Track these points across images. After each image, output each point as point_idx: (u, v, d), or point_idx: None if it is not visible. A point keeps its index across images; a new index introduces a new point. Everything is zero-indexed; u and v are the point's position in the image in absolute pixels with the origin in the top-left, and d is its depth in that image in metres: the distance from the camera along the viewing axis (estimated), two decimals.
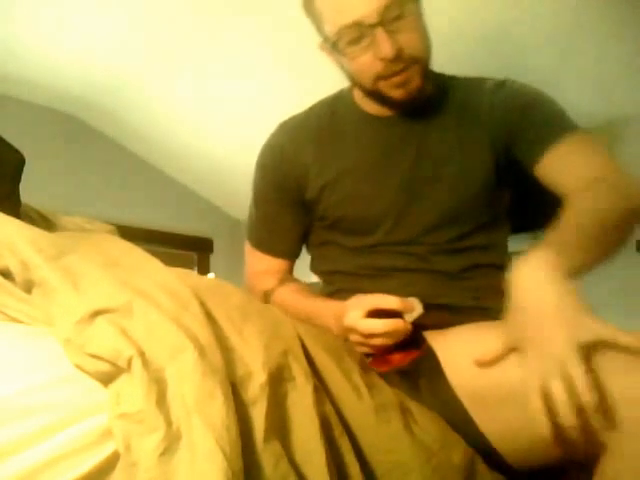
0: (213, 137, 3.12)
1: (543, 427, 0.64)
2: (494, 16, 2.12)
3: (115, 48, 2.52)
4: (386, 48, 0.89)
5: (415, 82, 0.95)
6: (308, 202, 1.09)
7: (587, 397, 0.61)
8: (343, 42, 0.93)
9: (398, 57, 0.91)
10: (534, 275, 0.71)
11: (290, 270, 1.20)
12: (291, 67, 2.43)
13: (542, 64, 2.29)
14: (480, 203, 1.03)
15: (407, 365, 0.87)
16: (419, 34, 0.94)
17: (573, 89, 2.35)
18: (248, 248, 1.21)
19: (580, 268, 0.76)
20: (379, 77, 0.94)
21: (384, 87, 0.96)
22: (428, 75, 0.98)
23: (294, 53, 2.28)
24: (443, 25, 1.86)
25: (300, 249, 1.19)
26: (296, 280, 1.16)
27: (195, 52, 2.51)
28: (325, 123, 1.09)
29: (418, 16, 0.94)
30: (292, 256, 1.18)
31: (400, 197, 1.03)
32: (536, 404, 0.65)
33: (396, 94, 0.96)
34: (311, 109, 1.13)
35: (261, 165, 1.14)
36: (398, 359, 0.87)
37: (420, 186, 1.02)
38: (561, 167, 0.96)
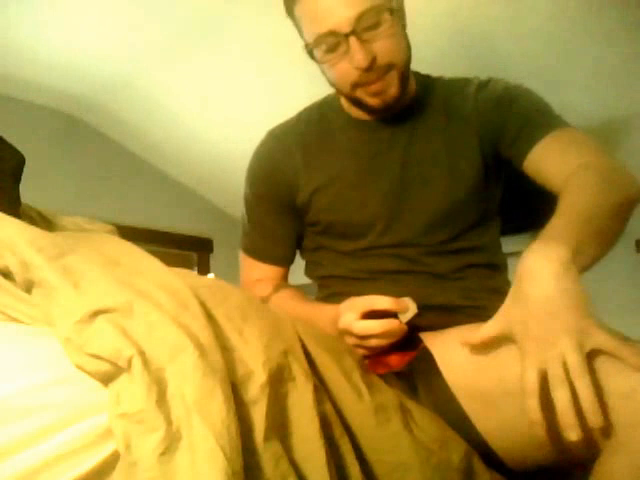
0: (213, 137, 3.12)
1: (538, 427, 0.64)
2: (493, 16, 2.12)
3: (115, 48, 2.52)
4: (359, 58, 0.90)
5: (392, 90, 0.95)
6: (299, 208, 1.10)
7: (592, 413, 0.61)
8: (320, 50, 0.93)
9: (372, 66, 0.91)
10: (544, 267, 0.68)
11: (285, 276, 1.20)
12: (292, 67, 2.43)
13: (542, 65, 2.29)
14: (470, 203, 1.03)
15: (404, 367, 0.87)
16: (395, 42, 0.93)
17: (573, 89, 2.35)
18: (242, 256, 1.21)
19: (585, 260, 0.74)
20: (356, 85, 0.95)
21: (361, 94, 0.96)
22: (406, 82, 0.98)
23: (295, 52, 2.28)
24: (443, 25, 1.86)
25: (294, 255, 1.19)
26: (290, 286, 1.16)
27: (195, 52, 2.51)
28: (313, 128, 1.09)
29: (396, 24, 0.93)
30: (286, 262, 1.18)
31: (390, 200, 1.03)
32: (533, 404, 0.65)
33: (373, 102, 0.97)
34: (299, 115, 1.14)
35: (251, 174, 1.15)
36: (395, 361, 0.87)
37: (409, 189, 1.02)
38: (548, 161, 0.95)
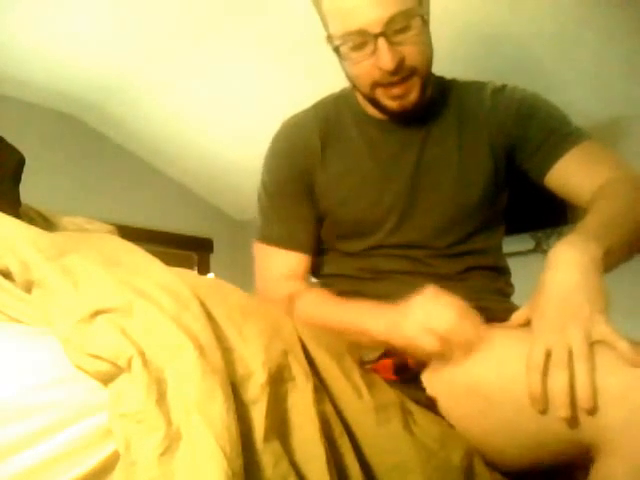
0: (213, 137, 3.12)
1: (537, 403, 0.67)
2: (494, 17, 2.12)
3: (114, 48, 2.52)
4: (387, 60, 0.90)
5: (413, 95, 0.96)
6: (314, 199, 1.09)
7: (586, 395, 0.63)
8: (346, 47, 0.93)
9: (398, 69, 0.91)
10: (574, 258, 0.72)
11: (309, 269, 1.12)
12: (293, 67, 2.43)
13: (542, 65, 2.29)
14: (479, 208, 1.04)
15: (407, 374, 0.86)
16: (422, 48, 0.94)
17: (573, 89, 2.35)
18: (261, 249, 1.12)
19: (613, 262, 0.77)
20: (376, 84, 0.95)
21: (381, 96, 0.96)
22: (426, 88, 0.98)
23: (296, 53, 2.28)
24: (444, 26, 1.86)
25: (316, 244, 1.12)
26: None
27: (195, 52, 2.51)
28: (330, 122, 1.09)
29: (423, 30, 0.94)
30: (310, 250, 1.11)
31: (401, 201, 1.03)
32: (535, 379, 0.67)
33: (392, 105, 0.97)
34: (315, 107, 1.13)
35: (271, 159, 1.12)
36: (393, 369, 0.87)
37: (421, 191, 1.03)
38: (575, 175, 0.96)
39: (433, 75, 1.08)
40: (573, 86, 2.35)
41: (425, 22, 0.94)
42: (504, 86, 1.06)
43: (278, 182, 1.11)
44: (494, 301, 1.03)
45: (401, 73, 0.92)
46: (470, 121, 1.04)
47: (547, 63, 2.29)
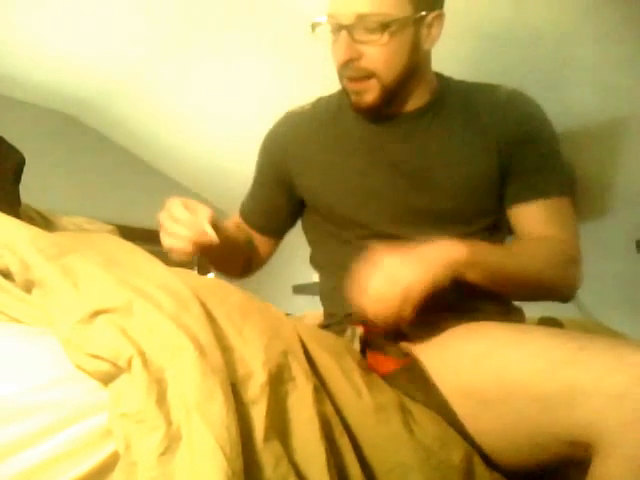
0: (213, 138, 3.12)
1: None
2: (495, 17, 2.12)
3: (115, 50, 2.52)
4: (340, 52, 0.93)
5: (369, 97, 0.97)
6: (303, 192, 1.11)
7: None
8: (328, 27, 0.96)
9: (350, 65, 0.94)
10: (429, 251, 0.82)
11: (269, 247, 1.23)
12: (293, 67, 2.43)
13: (543, 64, 2.29)
14: (479, 209, 1.03)
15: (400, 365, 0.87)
16: (387, 53, 0.93)
17: (573, 89, 2.35)
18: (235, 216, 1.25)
19: (485, 276, 0.84)
20: (341, 74, 0.98)
21: (346, 86, 0.99)
22: (389, 96, 0.98)
23: (295, 53, 2.28)
24: (446, 26, 1.86)
25: (282, 230, 1.23)
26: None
27: (195, 54, 2.51)
28: (330, 117, 1.10)
29: (401, 39, 0.93)
30: (276, 236, 1.22)
31: (399, 197, 1.02)
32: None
33: (352, 99, 0.99)
34: (318, 101, 1.15)
35: (264, 148, 1.18)
36: (392, 364, 0.88)
37: (419, 188, 1.02)
38: (528, 226, 1.01)
39: (441, 75, 1.07)
40: (573, 86, 2.35)
41: (407, 32, 0.92)
42: (519, 96, 1.04)
43: (263, 171, 1.19)
44: (487, 304, 1.02)
45: (356, 72, 0.94)
46: (477, 123, 1.02)
47: (547, 63, 2.29)
